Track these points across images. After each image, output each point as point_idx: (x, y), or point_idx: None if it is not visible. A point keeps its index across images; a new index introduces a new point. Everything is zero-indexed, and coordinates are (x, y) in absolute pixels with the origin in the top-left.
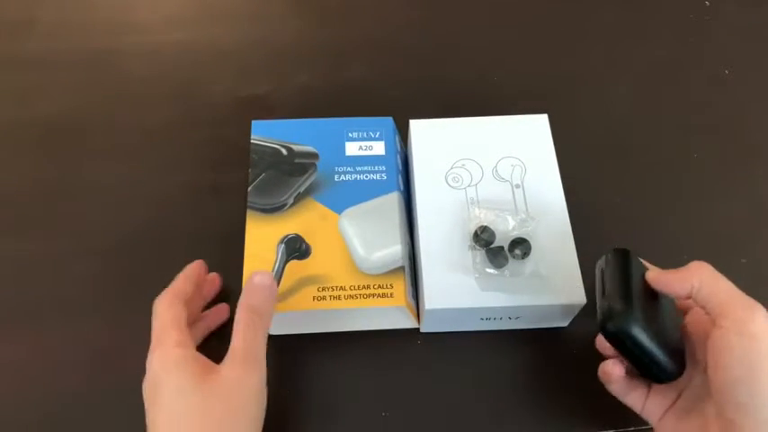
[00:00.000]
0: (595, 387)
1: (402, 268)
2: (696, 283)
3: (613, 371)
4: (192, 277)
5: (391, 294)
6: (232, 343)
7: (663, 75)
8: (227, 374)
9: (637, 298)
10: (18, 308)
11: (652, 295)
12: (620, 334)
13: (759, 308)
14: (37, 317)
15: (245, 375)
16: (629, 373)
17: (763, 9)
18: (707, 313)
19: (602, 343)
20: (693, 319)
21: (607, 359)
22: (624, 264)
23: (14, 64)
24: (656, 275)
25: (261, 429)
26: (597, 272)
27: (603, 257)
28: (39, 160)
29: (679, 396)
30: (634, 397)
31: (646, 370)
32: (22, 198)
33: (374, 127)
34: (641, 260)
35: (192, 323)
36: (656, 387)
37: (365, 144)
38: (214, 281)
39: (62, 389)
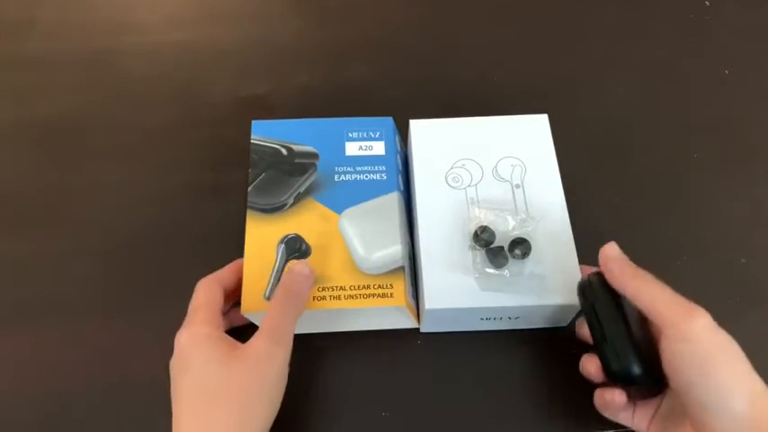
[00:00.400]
0: (595, 387)
1: (402, 268)
2: (633, 289)
3: (618, 399)
4: (238, 272)
5: (391, 294)
6: (264, 320)
7: (663, 75)
8: (255, 347)
9: (634, 335)
10: (18, 308)
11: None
12: (627, 379)
13: (698, 312)
14: (37, 317)
15: (272, 350)
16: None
17: (763, 9)
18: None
19: (587, 366)
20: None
21: (597, 382)
22: (613, 293)
23: (14, 64)
24: (611, 261)
25: (279, 404)
26: (579, 295)
27: (586, 280)
28: (39, 160)
29: (659, 405)
30: (624, 416)
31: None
32: (22, 198)
33: (374, 127)
34: None
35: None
36: (639, 402)
37: (365, 144)
38: None
39: (62, 389)
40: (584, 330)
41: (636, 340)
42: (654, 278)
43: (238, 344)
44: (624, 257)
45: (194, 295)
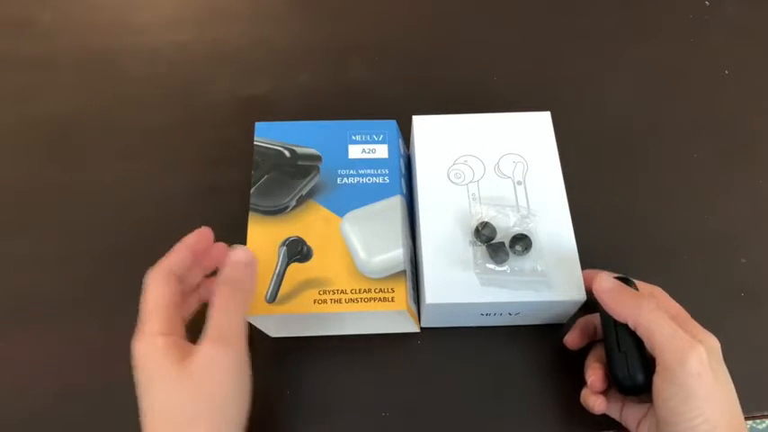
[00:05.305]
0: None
1: (403, 272)
2: (632, 321)
3: (597, 409)
4: (191, 246)
5: (392, 299)
6: (207, 320)
7: (663, 75)
8: (201, 358)
9: (645, 350)
10: (18, 308)
11: None
12: (630, 390)
13: (692, 353)
14: (37, 317)
15: (219, 355)
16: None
17: (763, 9)
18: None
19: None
20: None
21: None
22: None
23: (14, 64)
24: (606, 295)
25: (248, 399)
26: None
27: None
28: (39, 160)
29: (648, 410)
30: (610, 409)
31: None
32: (22, 198)
33: (377, 130)
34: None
35: (187, 294)
36: (628, 400)
37: (368, 147)
38: (219, 252)
39: (61, 388)
40: (574, 339)
41: (646, 355)
42: (654, 305)
43: (191, 350)
44: (619, 288)
45: (145, 291)
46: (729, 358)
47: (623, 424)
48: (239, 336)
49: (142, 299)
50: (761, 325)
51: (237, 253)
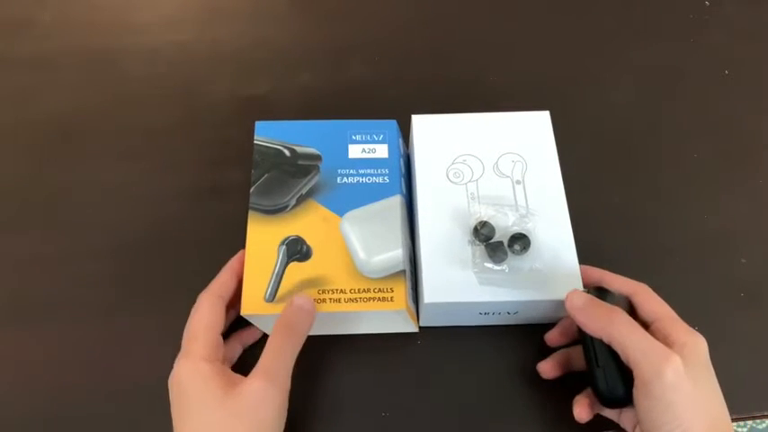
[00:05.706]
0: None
1: (403, 272)
2: (606, 336)
3: (583, 416)
4: (237, 269)
5: (392, 298)
6: (261, 358)
7: (663, 74)
8: (251, 390)
9: (623, 364)
10: (18, 308)
11: None
12: (612, 402)
13: (667, 366)
14: (37, 317)
15: (268, 393)
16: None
17: (763, 9)
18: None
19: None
20: None
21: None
22: None
23: (15, 64)
24: (578, 312)
25: None
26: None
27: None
28: (39, 160)
29: None
30: (610, 412)
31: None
32: (23, 198)
33: (378, 129)
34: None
35: (227, 309)
36: None
37: (368, 147)
38: None
39: (62, 389)
40: (555, 337)
41: (624, 368)
42: (626, 318)
43: (236, 379)
44: (592, 303)
45: (196, 314)
46: (729, 358)
47: (622, 426)
48: (286, 376)
49: (190, 320)
50: (761, 325)
51: (302, 300)
